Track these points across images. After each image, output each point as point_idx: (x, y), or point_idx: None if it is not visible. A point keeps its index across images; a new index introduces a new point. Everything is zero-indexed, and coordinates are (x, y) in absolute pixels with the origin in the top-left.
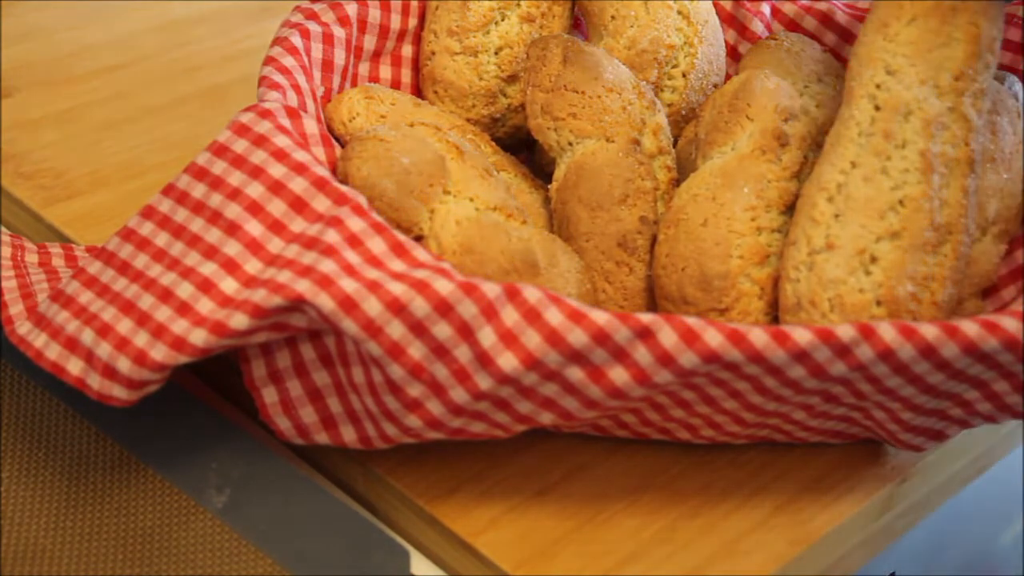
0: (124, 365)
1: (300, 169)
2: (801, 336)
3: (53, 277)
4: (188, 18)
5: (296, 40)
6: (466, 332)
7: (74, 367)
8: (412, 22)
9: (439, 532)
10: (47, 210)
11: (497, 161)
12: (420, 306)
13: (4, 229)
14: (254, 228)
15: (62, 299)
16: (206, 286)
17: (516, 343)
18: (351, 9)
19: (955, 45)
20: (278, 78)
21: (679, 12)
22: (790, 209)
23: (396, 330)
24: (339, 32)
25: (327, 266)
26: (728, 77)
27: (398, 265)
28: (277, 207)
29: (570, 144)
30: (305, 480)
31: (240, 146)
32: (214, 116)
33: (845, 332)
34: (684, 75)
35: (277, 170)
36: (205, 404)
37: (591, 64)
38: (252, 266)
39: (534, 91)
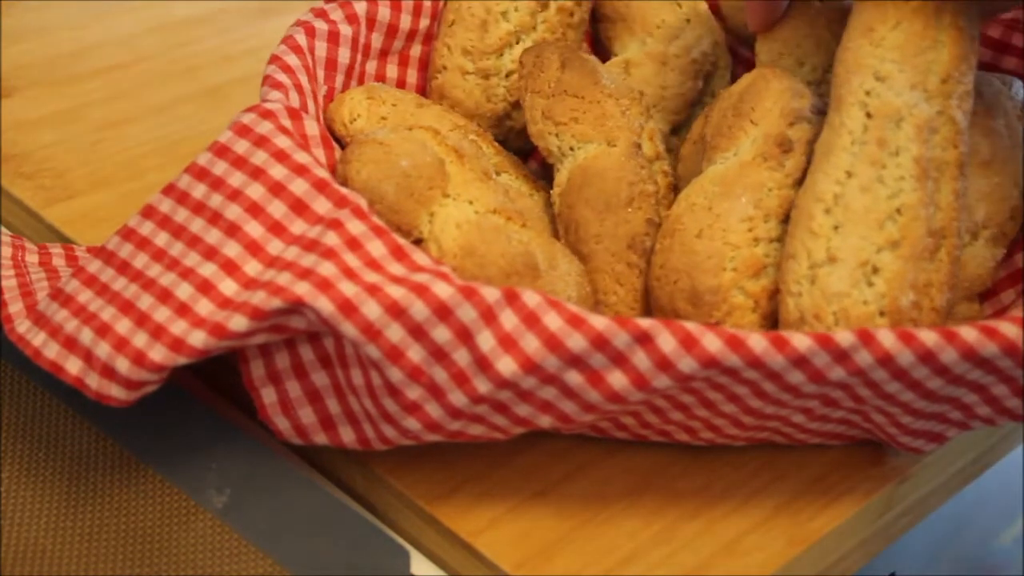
0: (123, 365)
1: (301, 171)
2: (800, 342)
3: (53, 276)
4: (188, 18)
5: (301, 38)
6: (465, 336)
7: (72, 366)
8: (423, 23)
9: (439, 532)
10: (47, 210)
11: (499, 162)
12: (420, 310)
13: (4, 229)
14: (254, 229)
15: (61, 298)
16: (205, 287)
17: (515, 347)
18: (360, 8)
19: (940, 48)
20: (281, 77)
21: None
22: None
23: (395, 333)
24: (345, 30)
25: (327, 269)
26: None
27: (398, 268)
28: (277, 208)
29: (571, 149)
30: (305, 480)
31: (241, 147)
32: (214, 116)
33: (844, 338)
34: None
35: (278, 171)
36: (205, 404)
37: (589, 70)
38: (252, 268)
39: (533, 97)
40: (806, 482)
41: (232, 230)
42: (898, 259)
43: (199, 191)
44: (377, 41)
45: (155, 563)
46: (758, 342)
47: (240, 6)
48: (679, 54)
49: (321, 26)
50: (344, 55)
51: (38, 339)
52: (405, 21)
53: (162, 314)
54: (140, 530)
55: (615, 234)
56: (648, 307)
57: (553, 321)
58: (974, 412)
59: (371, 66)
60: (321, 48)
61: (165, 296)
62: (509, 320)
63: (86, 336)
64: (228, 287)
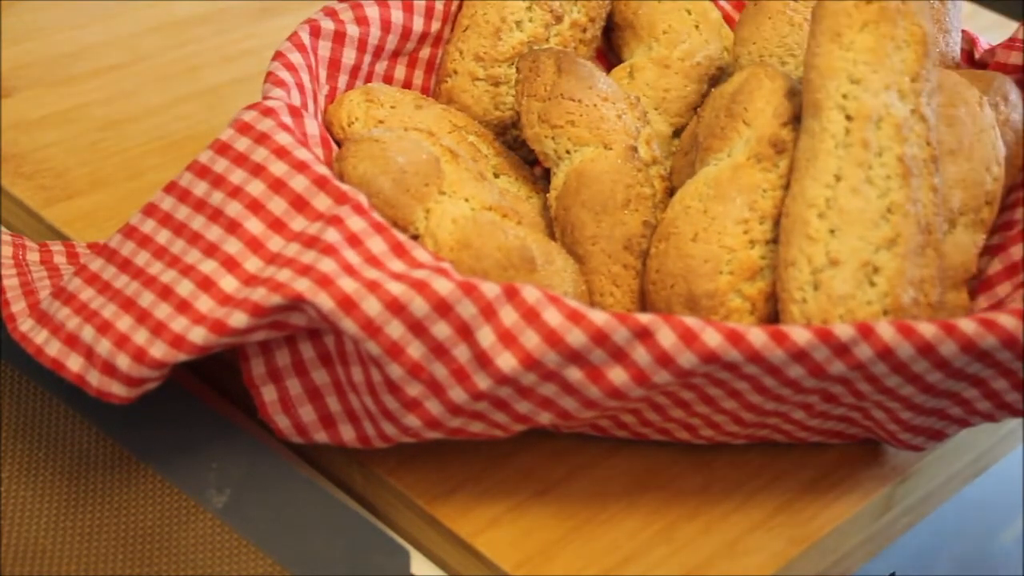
0: (123, 362)
1: (301, 167)
2: (800, 336)
3: (55, 274)
4: (188, 18)
5: (306, 37)
6: (465, 332)
7: (74, 364)
8: (435, 25)
9: (439, 532)
10: (47, 210)
11: (498, 164)
12: (419, 306)
13: (4, 229)
14: (254, 226)
15: (63, 296)
16: (206, 284)
17: (515, 343)
18: (372, 11)
19: (906, 48)
20: (284, 75)
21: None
22: None
23: (395, 330)
24: (352, 31)
25: (327, 265)
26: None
27: (397, 265)
28: (277, 205)
29: (568, 152)
30: (305, 480)
31: (242, 144)
32: (214, 116)
33: (844, 331)
34: None
35: (278, 168)
36: (205, 404)
37: (585, 74)
38: (252, 264)
39: (529, 101)
40: (806, 482)
41: (232, 227)
42: (896, 257)
43: (200, 189)
44: (391, 43)
45: (155, 563)
46: (757, 336)
47: (240, 6)
48: (683, 58)
49: (328, 25)
50: (349, 56)
51: (40, 337)
52: (417, 23)
53: (163, 311)
54: (140, 530)
55: (611, 236)
56: (644, 309)
57: (553, 317)
58: (974, 407)
59: (380, 67)
60: (325, 48)
61: (166, 293)
62: (509, 316)
63: (87, 334)
64: (228, 284)
